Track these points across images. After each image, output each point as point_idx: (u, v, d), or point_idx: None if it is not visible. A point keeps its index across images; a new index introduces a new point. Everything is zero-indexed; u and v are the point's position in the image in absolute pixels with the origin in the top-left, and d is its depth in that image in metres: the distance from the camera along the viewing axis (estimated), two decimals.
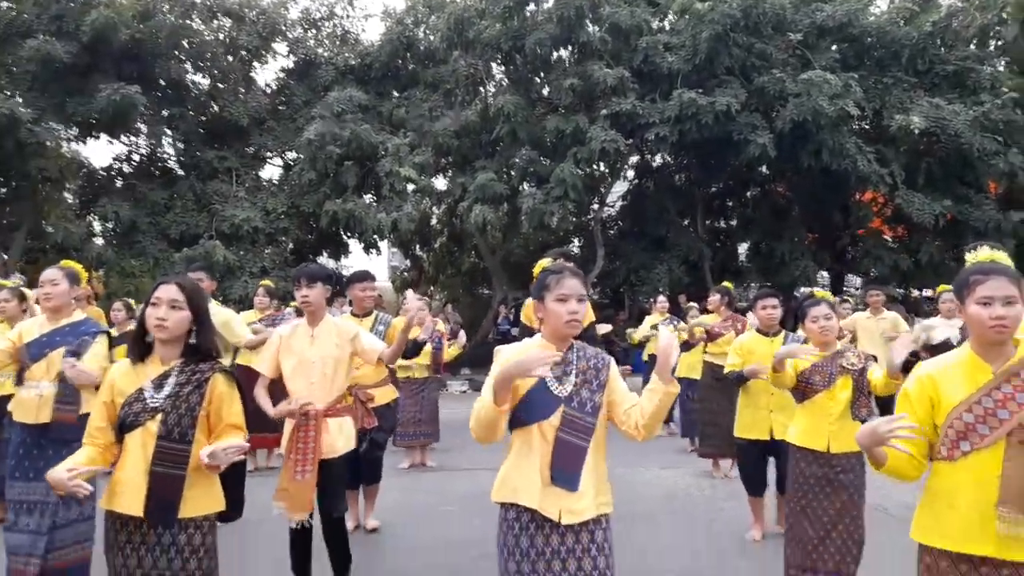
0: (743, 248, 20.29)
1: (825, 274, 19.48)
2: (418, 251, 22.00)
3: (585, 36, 15.37)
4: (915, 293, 19.89)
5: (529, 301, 5.98)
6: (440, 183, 18.24)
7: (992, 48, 18.07)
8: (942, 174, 16.49)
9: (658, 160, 18.47)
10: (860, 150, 15.02)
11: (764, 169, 18.96)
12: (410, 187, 16.01)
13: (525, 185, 16.00)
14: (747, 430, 5.46)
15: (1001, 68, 17.82)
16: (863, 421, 4.28)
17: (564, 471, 2.60)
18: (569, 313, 2.65)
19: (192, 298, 2.76)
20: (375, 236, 17.98)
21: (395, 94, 17.93)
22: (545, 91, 16.94)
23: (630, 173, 19.05)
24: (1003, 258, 2.47)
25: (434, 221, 20.92)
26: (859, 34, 16.27)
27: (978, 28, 17.06)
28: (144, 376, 2.76)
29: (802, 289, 18.04)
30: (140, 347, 2.82)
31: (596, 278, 16.91)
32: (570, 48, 15.96)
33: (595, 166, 16.01)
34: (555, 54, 16.21)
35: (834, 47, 16.28)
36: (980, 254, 2.50)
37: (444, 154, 16.50)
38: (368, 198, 16.71)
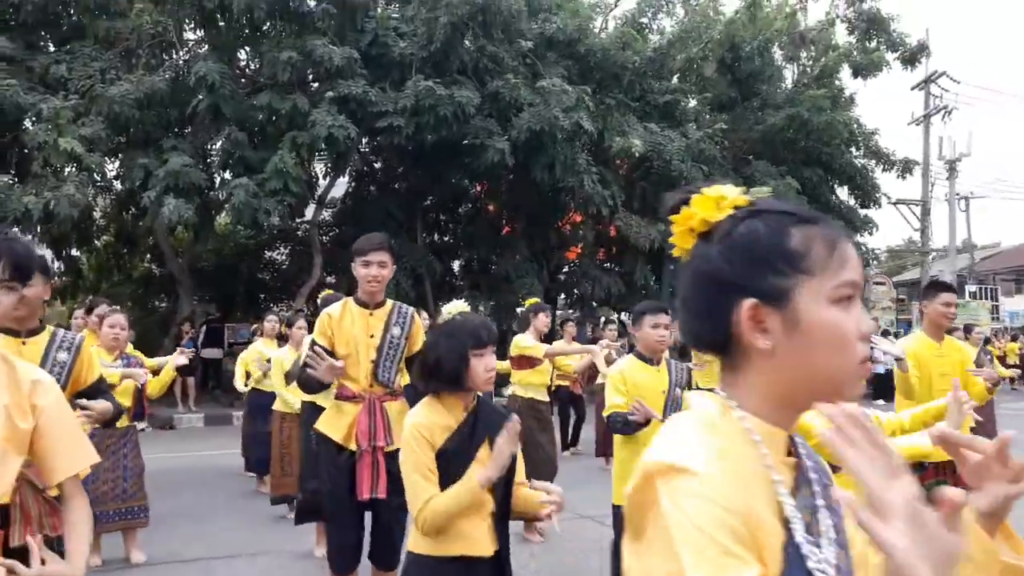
0: (457, 264, 19.48)
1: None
2: (75, 251, 17.76)
3: (305, 7, 13.30)
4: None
5: (325, 313, 3.88)
6: (111, 167, 14.70)
7: (692, 83, 19.23)
8: (654, 199, 16.96)
9: (380, 164, 16.82)
10: (588, 169, 14.76)
11: (476, 188, 18.35)
12: (68, 168, 12.54)
13: (227, 174, 13.35)
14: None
15: (693, 104, 18.99)
16: None
17: None
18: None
19: None
20: (16, 227, 13.99)
21: (52, 48, 14.15)
22: (254, 64, 14.43)
23: (346, 175, 17.10)
24: None
25: (98, 213, 17.00)
26: (585, 53, 16.17)
27: (684, 60, 17.97)
28: None
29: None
30: None
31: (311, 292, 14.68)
32: (287, 18, 13.70)
33: (319, 156, 13.80)
34: (268, 23, 13.85)
35: (561, 63, 15.96)
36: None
37: (121, 128, 13.20)
38: (6, 178, 12.83)
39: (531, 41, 15.30)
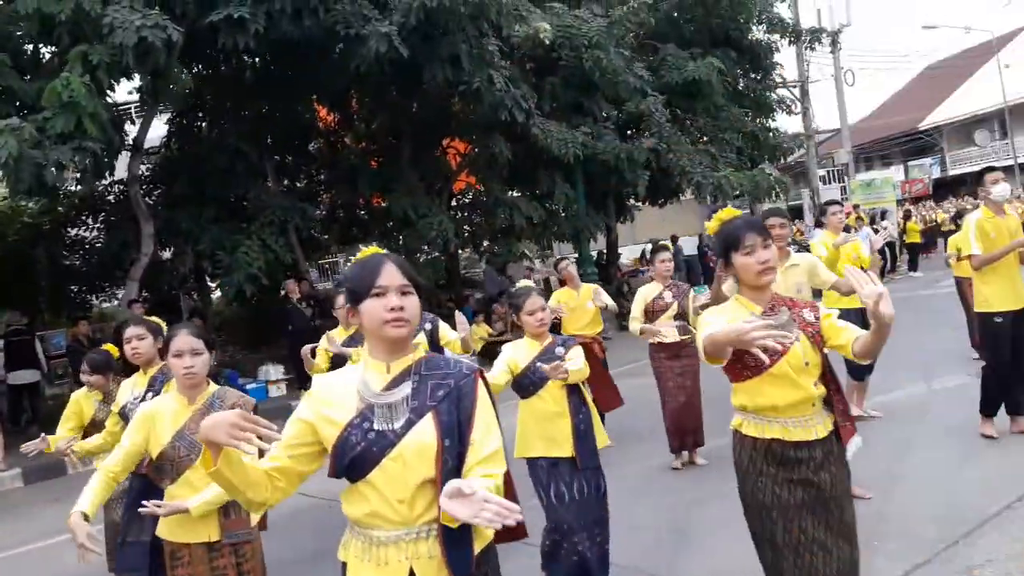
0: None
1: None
2: None
3: None
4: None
5: None
6: None
7: None
8: (565, 97, 13.86)
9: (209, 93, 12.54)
10: (497, 62, 11.41)
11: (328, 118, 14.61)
12: None
13: None
14: None
15: None
16: None
17: None
18: None
19: None
20: None
21: None
22: None
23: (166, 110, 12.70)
24: None
25: None
26: None
27: None
28: None
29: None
30: None
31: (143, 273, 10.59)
32: None
33: (126, 76, 9.41)
34: None
35: None
36: None
37: None
38: None
39: None
